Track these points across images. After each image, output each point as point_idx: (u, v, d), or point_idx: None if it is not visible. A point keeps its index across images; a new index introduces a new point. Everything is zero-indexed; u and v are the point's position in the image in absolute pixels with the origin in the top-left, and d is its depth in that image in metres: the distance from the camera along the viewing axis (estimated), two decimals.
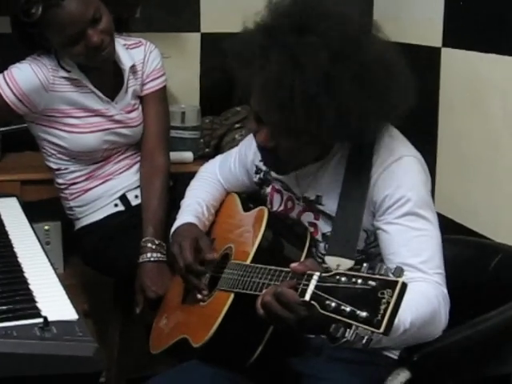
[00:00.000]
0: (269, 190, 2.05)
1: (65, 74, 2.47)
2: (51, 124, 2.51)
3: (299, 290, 1.46)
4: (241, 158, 2.17)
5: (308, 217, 1.92)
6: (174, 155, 2.99)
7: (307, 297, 1.42)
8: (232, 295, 1.79)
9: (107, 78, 2.57)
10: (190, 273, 1.99)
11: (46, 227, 2.99)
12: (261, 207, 1.99)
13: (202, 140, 3.21)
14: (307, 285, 1.44)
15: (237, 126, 3.22)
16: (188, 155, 3.11)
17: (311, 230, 1.90)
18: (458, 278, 1.83)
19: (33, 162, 2.88)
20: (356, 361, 1.77)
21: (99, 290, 2.89)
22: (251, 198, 2.17)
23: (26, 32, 2.38)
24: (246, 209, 2.08)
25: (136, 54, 2.64)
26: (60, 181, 2.62)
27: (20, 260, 1.83)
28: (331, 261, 1.61)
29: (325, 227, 1.87)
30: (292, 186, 1.95)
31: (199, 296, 1.95)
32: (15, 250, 1.91)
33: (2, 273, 1.72)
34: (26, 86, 2.41)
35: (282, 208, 2.00)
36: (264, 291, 1.56)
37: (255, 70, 1.72)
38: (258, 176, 2.09)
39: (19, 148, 3.08)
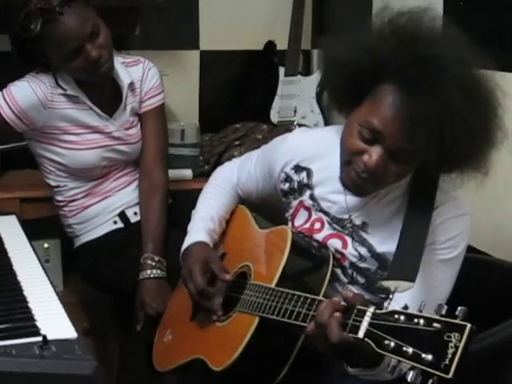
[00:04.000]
0: (295, 203, 1.99)
1: (63, 91, 2.47)
2: (50, 141, 2.51)
3: (348, 326, 1.42)
4: (264, 164, 2.10)
5: (335, 243, 1.89)
6: (174, 172, 2.99)
7: (361, 334, 1.38)
8: (257, 319, 1.74)
9: (106, 94, 2.57)
10: (202, 297, 1.94)
11: (46, 245, 2.98)
12: (283, 226, 1.94)
13: (201, 157, 3.21)
14: (359, 321, 1.40)
15: (236, 143, 3.23)
16: (187, 172, 3.11)
17: (338, 256, 1.87)
18: (458, 294, 1.82)
19: (32, 179, 2.87)
20: None
21: (99, 308, 2.89)
22: (260, 213, 2.14)
23: (26, 48, 2.40)
24: (262, 226, 2.03)
25: (134, 71, 2.64)
26: (59, 198, 2.62)
27: (19, 278, 1.82)
28: (389, 284, 1.58)
29: (353, 257, 1.86)
30: (338, 208, 1.90)
31: (214, 317, 1.91)
32: (14, 268, 1.90)
33: (1, 291, 1.72)
34: (24, 103, 2.42)
35: (306, 226, 1.95)
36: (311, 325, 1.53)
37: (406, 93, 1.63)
38: (287, 185, 2.01)
39: (19, 166, 3.09)
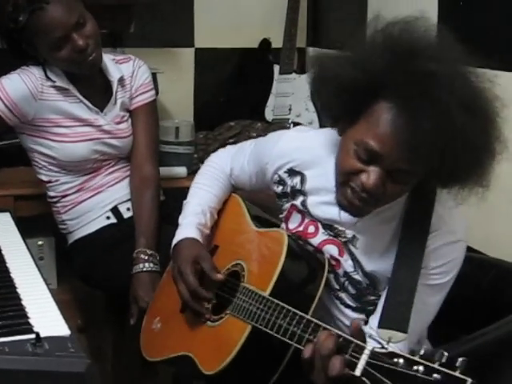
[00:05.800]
0: (288, 205, 1.96)
1: (52, 83, 2.49)
2: (41, 134, 2.52)
3: (345, 361, 1.39)
4: (257, 161, 2.05)
5: (332, 250, 1.85)
6: (168, 170, 2.99)
7: (358, 372, 1.35)
8: (249, 327, 1.72)
9: (96, 88, 2.59)
10: (193, 298, 1.91)
11: (40, 242, 2.98)
12: (278, 230, 1.92)
13: (195, 155, 3.21)
14: (356, 358, 1.36)
15: (230, 141, 3.23)
16: (182, 170, 3.11)
17: (333, 263, 1.85)
18: (453, 293, 1.82)
19: (26, 177, 2.87)
20: None
21: (93, 305, 2.88)
22: (255, 206, 2.11)
23: (15, 40, 2.43)
24: (256, 220, 2.00)
25: (125, 68, 2.67)
26: (51, 194, 2.62)
27: (13, 275, 1.82)
28: (383, 333, 1.55)
29: (348, 267, 1.84)
30: (330, 219, 1.85)
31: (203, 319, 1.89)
32: (8, 265, 1.90)
33: None
34: (15, 94, 2.43)
35: (300, 229, 1.92)
36: (308, 351, 1.49)
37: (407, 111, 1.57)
38: (280, 187, 1.96)
39: (13, 163, 3.08)
